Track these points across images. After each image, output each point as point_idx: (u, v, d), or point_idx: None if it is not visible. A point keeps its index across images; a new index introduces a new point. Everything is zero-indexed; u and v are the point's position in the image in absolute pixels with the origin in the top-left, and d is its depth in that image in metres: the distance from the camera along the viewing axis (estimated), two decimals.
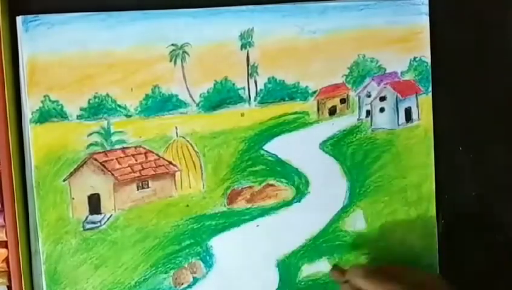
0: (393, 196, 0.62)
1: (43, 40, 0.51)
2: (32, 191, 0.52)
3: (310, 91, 0.58)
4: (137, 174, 0.54)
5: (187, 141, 0.55)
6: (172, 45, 0.54)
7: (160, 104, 0.54)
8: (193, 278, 0.57)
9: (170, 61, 0.54)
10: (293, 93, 0.58)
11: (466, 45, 0.64)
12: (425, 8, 0.61)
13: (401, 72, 0.61)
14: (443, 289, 0.54)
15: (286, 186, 0.59)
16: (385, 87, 0.61)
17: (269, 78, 0.57)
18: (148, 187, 0.55)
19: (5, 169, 0.50)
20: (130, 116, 0.54)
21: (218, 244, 0.57)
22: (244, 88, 0.57)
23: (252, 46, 0.56)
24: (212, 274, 0.57)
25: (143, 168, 0.54)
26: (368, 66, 0.60)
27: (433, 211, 0.63)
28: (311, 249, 0.60)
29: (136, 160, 0.54)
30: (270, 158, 0.58)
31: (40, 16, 0.50)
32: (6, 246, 0.51)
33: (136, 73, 0.53)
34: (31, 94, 0.51)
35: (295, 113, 0.58)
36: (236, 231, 0.58)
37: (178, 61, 0.54)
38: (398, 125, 0.62)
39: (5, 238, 0.51)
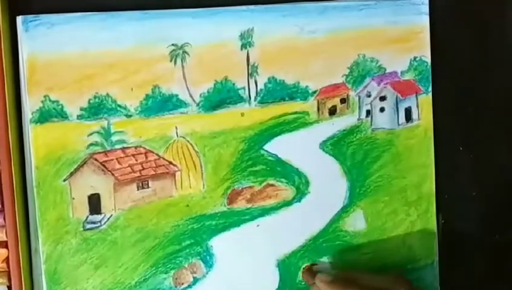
0: (393, 196, 0.62)
1: (43, 40, 0.51)
2: (32, 191, 0.52)
3: (310, 91, 0.58)
4: (137, 174, 0.54)
5: (188, 141, 0.55)
6: (172, 44, 0.54)
7: (160, 104, 0.54)
8: (194, 278, 0.57)
9: (171, 61, 0.54)
10: (293, 93, 0.58)
11: (466, 45, 0.64)
12: (425, 8, 0.61)
13: (401, 72, 0.61)
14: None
15: (286, 186, 0.59)
16: (385, 87, 0.61)
17: (269, 78, 0.57)
18: (148, 187, 0.55)
19: (5, 169, 0.50)
20: (130, 116, 0.54)
21: (218, 244, 0.57)
22: (244, 88, 0.57)
23: (252, 46, 0.56)
24: (212, 274, 0.57)
25: (143, 168, 0.54)
26: (368, 66, 0.60)
27: (433, 211, 0.63)
28: (311, 249, 0.60)
29: (136, 160, 0.54)
30: (270, 158, 0.58)
31: (41, 15, 0.50)
32: (6, 246, 0.51)
33: (136, 73, 0.53)
34: (31, 94, 0.51)
35: (295, 113, 0.58)
36: (237, 231, 0.58)
37: (178, 61, 0.54)
38: (398, 125, 0.62)
39: (5, 238, 0.51)
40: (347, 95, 0.60)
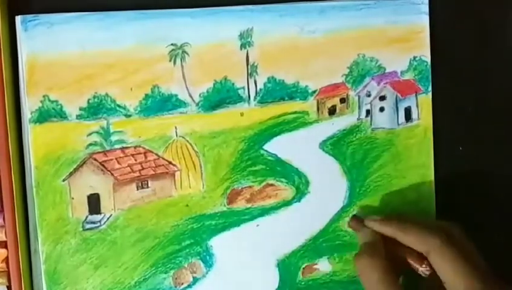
0: (393, 196, 0.62)
1: (42, 40, 0.51)
2: (31, 191, 0.52)
3: (309, 91, 0.58)
4: (137, 174, 0.54)
5: (187, 141, 0.55)
6: (172, 44, 0.54)
7: (160, 104, 0.54)
8: (193, 278, 0.57)
9: (170, 61, 0.54)
10: (293, 93, 0.58)
11: (466, 45, 0.64)
12: (425, 8, 0.61)
13: (401, 72, 0.61)
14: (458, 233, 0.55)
15: (286, 186, 0.59)
16: (385, 87, 0.61)
17: (268, 78, 0.57)
18: (148, 187, 0.55)
19: (5, 169, 0.50)
20: (129, 116, 0.54)
21: (218, 244, 0.57)
22: (243, 88, 0.56)
23: (252, 46, 0.56)
24: (212, 274, 0.57)
25: (143, 168, 0.54)
26: (368, 65, 0.60)
27: (433, 211, 0.63)
28: (311, 249, 0.60)
29: (136, 160, 0.54)
30: (270, 158, 0.58)
31: (40, 15, 0.51)
32: (6, 246, 0.51)
33: (136, 73, 0.53)
34: (30, 94, 0.51)
35: (295, 112, 0.58)
36: (236, 231, 0.57)
37: (178, 61, 0.54)
38: (398, 124, 0.62)
39: (4, 239, 0.51)
40: (347, 94, 0.60)
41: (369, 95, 0.61)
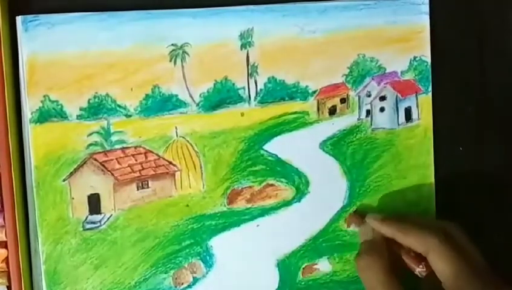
0: (393, 196, 0.62)
1: (43, 40, 0.51)
2: (32, 191, 0.52)
3: (310, 91, 0.58)
4: (137, 174, 0.54)
5: (187, 141, 0.55)
6: (172, 44, 0.54)
7: (160, 104, 0.54)
8: (193, 278, 0.57)
9: (170, 61, 0.54)
10: (293, 93, 0.58)
11: (466, 45, 0.64)
12: (425, 8, 0.61)
13: (401, 72, 0.61)
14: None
15: (286, 186, 0.59)
16: (385, 87, 0.61)
17: (268, 78, 0.57)
18: (148, 187, 0.55)
19: (5, 169, 0.50)
20: (130, 116, 0.54)
21: (218, 244, 0.57)
22: (244, 88, 0.57)
23: (252, 46, 0.56)
24: (212, 274, 0.57)
25: (143, 168, 0.54)
26: (368, 65, 0.60)
27: (432, 211, 0.63)
28: (311, 249, 0.60)
29: (136, 160, 0.54)
30: (270, 158, 0.58)
31: (40, 15, 0.50)
32: (6, 246, 0.51)
33: (136, 73, 0.53)
34: (30, 94, 0.51)
35: (295, 113, 0.58)
36: (236, 231, 0.57)
37: (178, 61, 0.54)
38: (398, 124, 0.62)
39: (4, 239, 0.51)
40: (347, 95, 0.60)
41: (369, 95, 0.61)
